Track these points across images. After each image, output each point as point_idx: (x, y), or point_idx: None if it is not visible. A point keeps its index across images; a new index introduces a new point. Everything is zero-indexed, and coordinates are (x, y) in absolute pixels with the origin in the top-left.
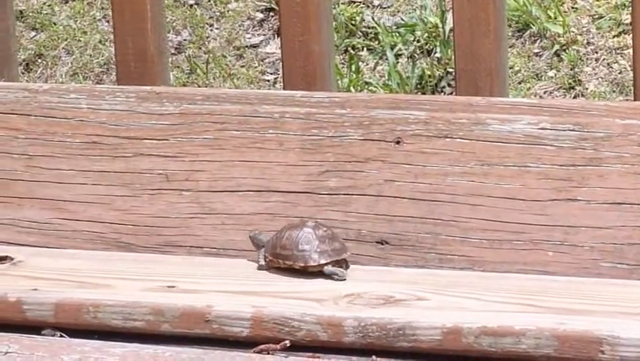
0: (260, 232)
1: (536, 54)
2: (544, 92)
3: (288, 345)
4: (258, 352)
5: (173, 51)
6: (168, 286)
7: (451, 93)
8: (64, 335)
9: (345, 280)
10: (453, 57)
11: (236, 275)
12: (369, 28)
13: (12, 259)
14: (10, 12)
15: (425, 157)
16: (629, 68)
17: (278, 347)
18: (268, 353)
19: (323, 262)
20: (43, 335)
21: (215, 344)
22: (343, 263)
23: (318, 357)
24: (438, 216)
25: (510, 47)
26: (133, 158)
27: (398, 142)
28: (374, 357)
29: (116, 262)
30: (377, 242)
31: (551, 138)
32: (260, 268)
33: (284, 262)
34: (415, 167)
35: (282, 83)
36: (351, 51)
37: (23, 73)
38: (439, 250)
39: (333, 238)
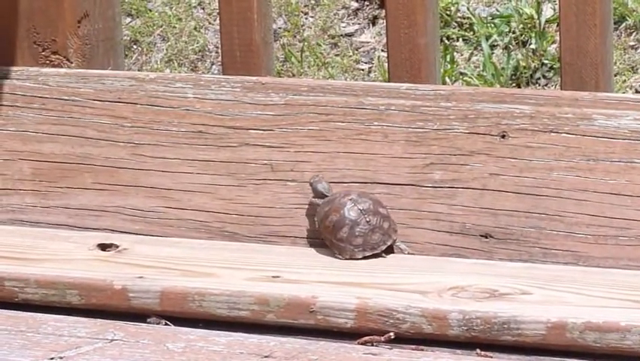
0: (320, 179)
1: (632, 47)
2: None
3: (393, 337)
4: (363, 343)
5: None
6: (273, 276)
7: (546, 85)
8: (169, 323)
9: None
10: (558, 51)
11: (339, 266)
12: (464, 18)
13: (117, 246)
14: (116, 0)
15: (530, 151)
16: None
17: (382, 338)
18: (372, 345)
19: (358, 257)
20: (149, 322)
21: (319, 334)
22: (381, 253)
23: (422, 349)
24: (543, 211)
25: None
26: (238, 148)
27: (503, 136)
28: (478, 350)
29: (221, 251)
30: (481, 235)
31: None
32: None
33: (324, 243)
34: (520, 161)
35: (376, 73)
36: (446, 41)
37: None
38: (543, 244)
39: (374, 229)
